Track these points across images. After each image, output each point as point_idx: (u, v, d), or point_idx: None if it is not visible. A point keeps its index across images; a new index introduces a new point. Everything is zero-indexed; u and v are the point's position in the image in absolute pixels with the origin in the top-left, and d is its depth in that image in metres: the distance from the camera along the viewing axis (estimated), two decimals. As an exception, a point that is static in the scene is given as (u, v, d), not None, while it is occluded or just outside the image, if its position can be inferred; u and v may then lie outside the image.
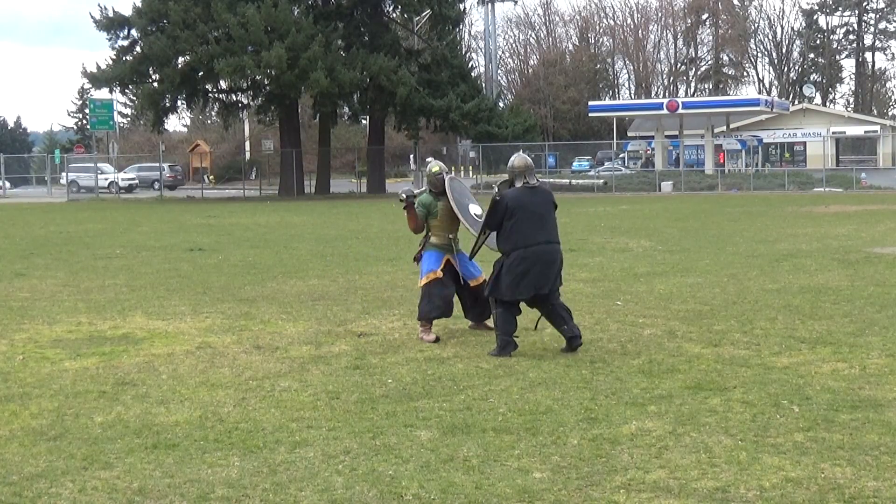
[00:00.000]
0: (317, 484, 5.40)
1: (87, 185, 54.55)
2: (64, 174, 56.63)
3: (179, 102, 50.56)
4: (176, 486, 5.38)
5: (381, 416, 6.75)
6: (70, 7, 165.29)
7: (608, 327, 9.92)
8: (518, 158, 9.04)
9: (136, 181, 59.06)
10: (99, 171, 54.94)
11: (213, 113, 62.95)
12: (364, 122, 60.18)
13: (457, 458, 5.78)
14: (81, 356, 8.89)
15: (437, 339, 9.34)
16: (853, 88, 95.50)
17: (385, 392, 7.42)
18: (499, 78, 75.97)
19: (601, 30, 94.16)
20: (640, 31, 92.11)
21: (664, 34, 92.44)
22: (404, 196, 9.59)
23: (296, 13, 46.39)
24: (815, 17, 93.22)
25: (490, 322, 9.48)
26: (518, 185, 8.89)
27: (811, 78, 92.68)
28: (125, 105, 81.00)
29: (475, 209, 9.73)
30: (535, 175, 9.04)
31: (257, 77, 46.53)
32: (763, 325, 9.95)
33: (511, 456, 5.82)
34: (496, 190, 9.18)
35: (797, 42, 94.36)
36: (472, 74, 60.44)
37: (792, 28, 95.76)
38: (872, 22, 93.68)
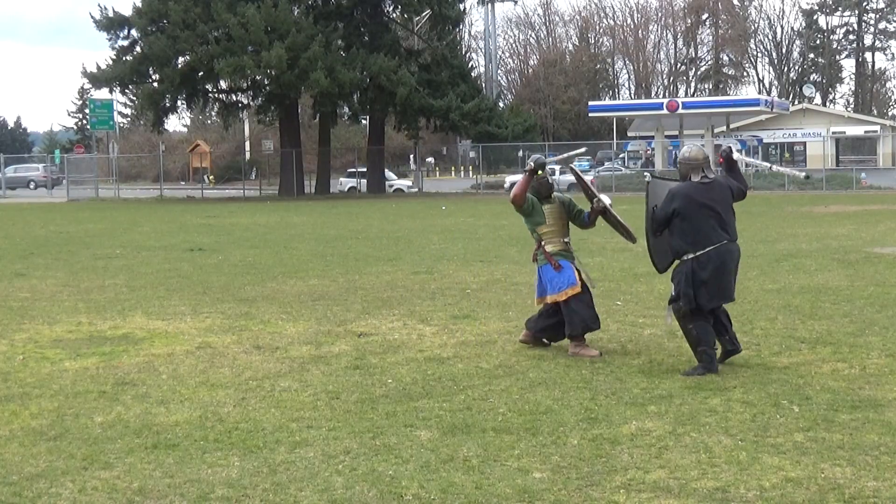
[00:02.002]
0: (317, 484, 5.40)
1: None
2: (342, 180, 54.35)
3: (179, 102, 50.54)
4: (176, 486, 5.39)
5: (381, 416, 6.75)
6: (70, 7, 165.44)
7: (608, 327, 9.91)
8: (697, 150, 8.12)
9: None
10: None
11: (213, 113, 62.94)
12: (364, 122, 60.15)
13: (457, 458, 5.78)
14: (81, 356, 8.89)
15: (600, 354, 8.52)
16: (853, 88, 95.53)
17: (385, 392, 7.42)
18: (499, 78, 75.97)
19: (601, 30, 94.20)
20: (640, 31, 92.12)
21: (664, 34, 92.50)
22: (532, 163, 8.68)
23: (296, 13, 46.38)
24: (815, 17, 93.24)
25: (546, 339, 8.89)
26: (695, 179, 7.98)
27: (811, 78, 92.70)
28: (125, 105, 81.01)
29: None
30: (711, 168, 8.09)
31: (257, 77, 46.52)
32: (763, 325, 9.95)
33: (511, 456, 5.82)
34: (648, 177, 8.27)
35: (797, 42, 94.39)
36: (472, 74, 60.44)
37: (792, 28, 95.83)
38: (872, 22, 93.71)
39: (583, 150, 10.17)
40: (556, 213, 8.88)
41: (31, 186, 54.85)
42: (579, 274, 8.77)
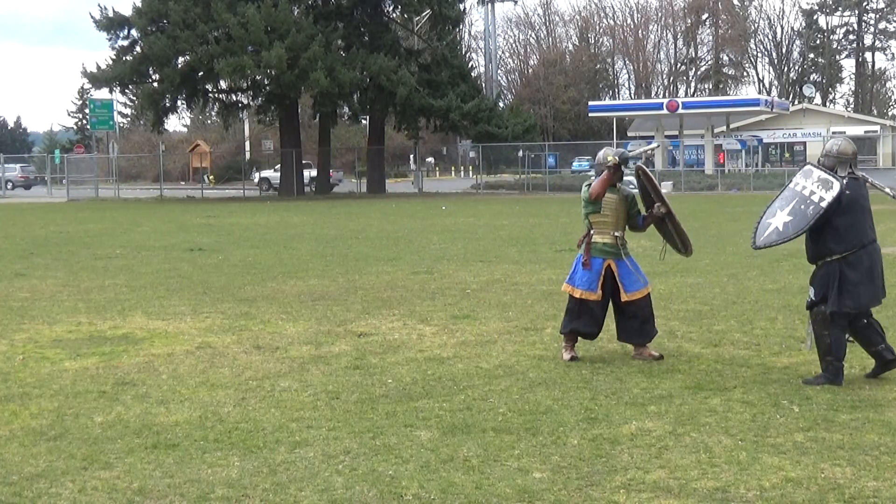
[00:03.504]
0: (317, 484, 5.40)
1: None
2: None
3: (179, 102, 50.52)
4: (176, 486, 5.39)
5: (381, 416, 6.75)
6: (70, 7, 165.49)
7: (608, 327, 9.90)
8: (847, 143, 7.65)
9: None
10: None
11: (213, 113, 62.89)
12: (364, 122, 60.17)
13: (457, 458, 5.78)
14: (81, 356, 8.89)
15: (573, 358, 8.36)
16: (853, 88, 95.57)
17: (385, 392, 7.42)
18: (499, 78, 75.97)
19: (601, 30, 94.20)
20: (640, 31, 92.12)
21: (664, 34, 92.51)
22: (616, 158, 8.28)
23: (296, 13, 46.39)
24: (815, 17, 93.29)
25: (654, 352, 8.49)
26: (841, 174, 7.51)
27: (811, 78, 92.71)
28: (125, 105, 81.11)
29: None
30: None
31: (257, 77, 46.50)
32: (763, 325, 9.95)
33: (511, 456, 5.82)
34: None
35: (797, 42, 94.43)
36: (472, 74, 60.45)
37: (792, 28, 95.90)
38: (872, 22, 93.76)
39: (656, 145, 10.24)
40: (615, 205, 8.45)
41: (9, 187, 54.53)
42: (603, 281, 8.40)
